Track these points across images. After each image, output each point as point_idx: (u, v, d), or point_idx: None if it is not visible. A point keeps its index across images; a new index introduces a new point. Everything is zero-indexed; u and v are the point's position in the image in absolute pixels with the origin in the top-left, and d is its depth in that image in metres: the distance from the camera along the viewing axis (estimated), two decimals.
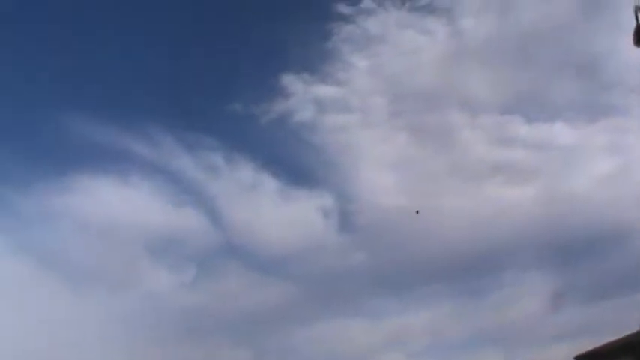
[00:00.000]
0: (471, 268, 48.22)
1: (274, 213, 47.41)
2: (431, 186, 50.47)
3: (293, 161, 48.72)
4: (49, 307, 36.77)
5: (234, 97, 48.02)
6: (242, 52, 49.85)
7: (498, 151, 52.18)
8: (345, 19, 49.87)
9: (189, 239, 45.43)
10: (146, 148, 45.33)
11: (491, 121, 53.31)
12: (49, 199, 41.93)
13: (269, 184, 47.73)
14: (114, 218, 43.87)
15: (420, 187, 50.34)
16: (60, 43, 46.90)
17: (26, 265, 39.09)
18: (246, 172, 47.49)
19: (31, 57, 45.95)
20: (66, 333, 35.78)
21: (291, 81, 48.15)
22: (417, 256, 48.12)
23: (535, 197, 51.12)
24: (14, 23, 45.83)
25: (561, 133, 54.59)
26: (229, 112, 47.35)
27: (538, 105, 54.53)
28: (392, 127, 50.96)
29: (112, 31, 47.84)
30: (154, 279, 43.76)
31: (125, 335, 37.61)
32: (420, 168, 50.83)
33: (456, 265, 47.98)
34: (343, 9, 49.56)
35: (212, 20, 50.69)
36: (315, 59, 49.49)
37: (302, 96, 48.44)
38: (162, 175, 45.56)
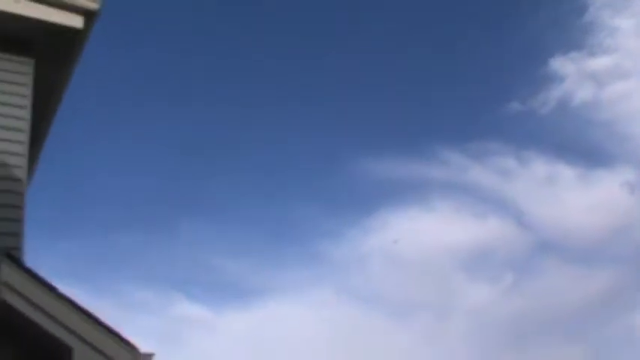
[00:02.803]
0: None
1: (577, 200, 47.51)
2: None
3: (584, 144, 48.56)
4: (373, 344, 40.20)
5: (510, 96, 48.55)
6: (504, 48, 50.84)
7: None
8: None
9: (499, 247, 46.98)
10: (437, 169, 47.04)
11: None
12: (359, 242, 45.27)
13: (565, 172, 47.88)
14: (423, 246, 46.53)
15: None
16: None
17: (351, 309, 42.58)
18: (539, 166, 48.20)
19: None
20: None
21: (561, 64, 47.83)
22: None
23: None
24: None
25: None
26: (508, 112, 47.98)
27: None
28: None
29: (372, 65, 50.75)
30: (474, 295, 45.61)
31: (453, 355, 40.23)
32: None
33: None
34: None
35: (465, 25, 52.42)
36: (578, 35, 49.06)
37: (576, 75, 47.96)
38: (459, 191, 47.17)
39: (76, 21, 7.89)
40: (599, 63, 48.96)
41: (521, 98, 46.98)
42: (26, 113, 7.80)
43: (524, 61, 49.19)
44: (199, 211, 45.22)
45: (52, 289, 6.59)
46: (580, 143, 47.80)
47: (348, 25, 47.63)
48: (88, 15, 7.93)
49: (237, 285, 42.92)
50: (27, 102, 7.86)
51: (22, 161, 7.55)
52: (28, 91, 7.92)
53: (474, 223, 46.19)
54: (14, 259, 6.72)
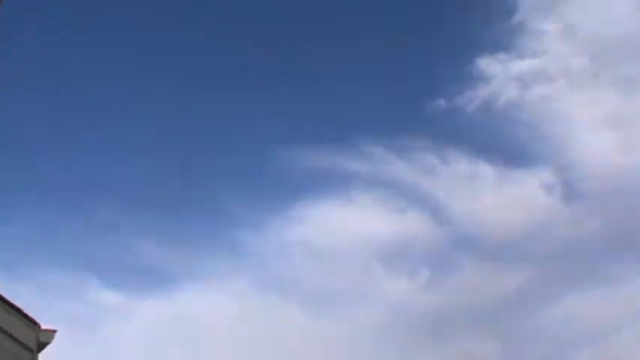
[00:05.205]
0: None
1: (496, 198, 48.84)
2: None
3: (505, 143, 49.89)
4: (291, 333, 42.26)
5: (435, 93, 50.18)
6: (433, 46, 52.23)
7: None
8: None
9: (417, 241, 48.60)
10: (361, 163, 48.73)
11: None
12: (280, 233, 47.65)
13: (486, 171, 49.29)
14: (343, 237, 48.41)
15: None
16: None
17: (268, 299, 44.55)
18: (461, 164, 49.62)
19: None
20: (311, 353, 40.94)
21: (487, 64, 49.33)
22: None
23: None
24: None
25: None
26: (433, 109, 49.57)
27: None
28: (598, 86, 50.22)
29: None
30: (391, 288, 47.54)
31: (371, 346, 42.19)
32: (638, 122, 49.47)
33: None
34: None
35: (396, 22, 54.10)
36: (505, 36, 50.58)
37: (502, 76, 49.28)
38: (380, 185, 48.96)
39: None
40: (525, 65, 49.20)
41: (448, 96, 47.97)
42: None
43: (452, 59, 49.83)
44: (123, 193, 46.14)
45: None
46: (502, 143, 48.23)
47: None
48: None
49: (155, 271, 44.52)
50: None
51: None
52: None
53: (393, 217, 47.00)
54: None
